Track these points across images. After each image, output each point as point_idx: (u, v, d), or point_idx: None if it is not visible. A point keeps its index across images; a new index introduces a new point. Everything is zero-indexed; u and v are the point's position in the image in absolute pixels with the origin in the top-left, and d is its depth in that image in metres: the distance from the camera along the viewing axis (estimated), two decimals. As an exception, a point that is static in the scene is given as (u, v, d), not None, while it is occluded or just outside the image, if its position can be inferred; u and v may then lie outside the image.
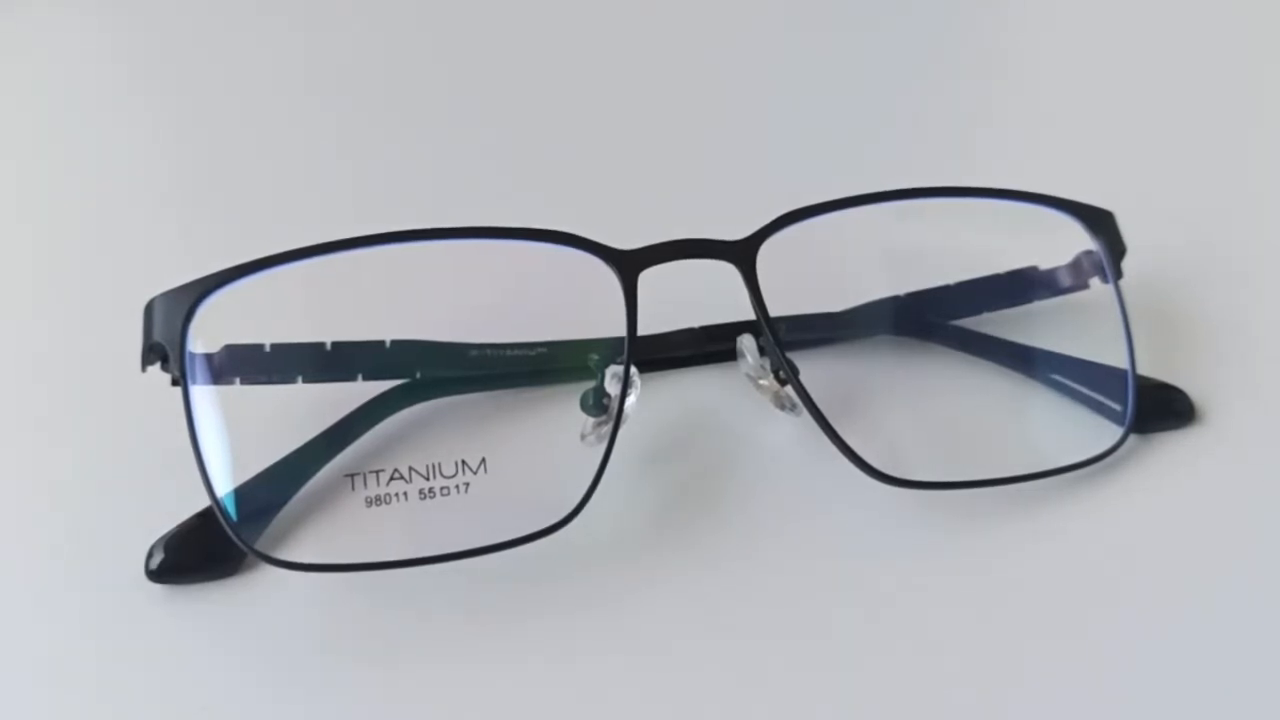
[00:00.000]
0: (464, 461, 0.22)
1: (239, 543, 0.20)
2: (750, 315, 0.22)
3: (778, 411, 0.23)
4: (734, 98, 0.38)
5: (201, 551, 0.21)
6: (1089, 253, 0.25)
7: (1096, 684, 0.19)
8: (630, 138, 0.36)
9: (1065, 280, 0.25)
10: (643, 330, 0.22)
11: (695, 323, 0.25)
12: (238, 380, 0.22)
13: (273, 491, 0.22)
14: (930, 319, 0.26)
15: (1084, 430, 0.23)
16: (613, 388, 0.22)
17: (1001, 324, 0.26)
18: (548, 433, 0.24)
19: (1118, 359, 0.24)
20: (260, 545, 0.21)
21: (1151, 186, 0.31)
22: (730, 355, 0.24)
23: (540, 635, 0.20)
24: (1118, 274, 0.24)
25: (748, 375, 0.24)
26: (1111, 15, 0.42)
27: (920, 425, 0.24)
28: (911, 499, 0.22)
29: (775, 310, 0.22)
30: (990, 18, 0.44)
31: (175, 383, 0.20)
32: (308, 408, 0.23)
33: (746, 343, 0.24)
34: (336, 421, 0.23)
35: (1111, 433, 0.23)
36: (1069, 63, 0.40)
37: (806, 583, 0.21)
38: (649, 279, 0.21)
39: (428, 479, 0.21)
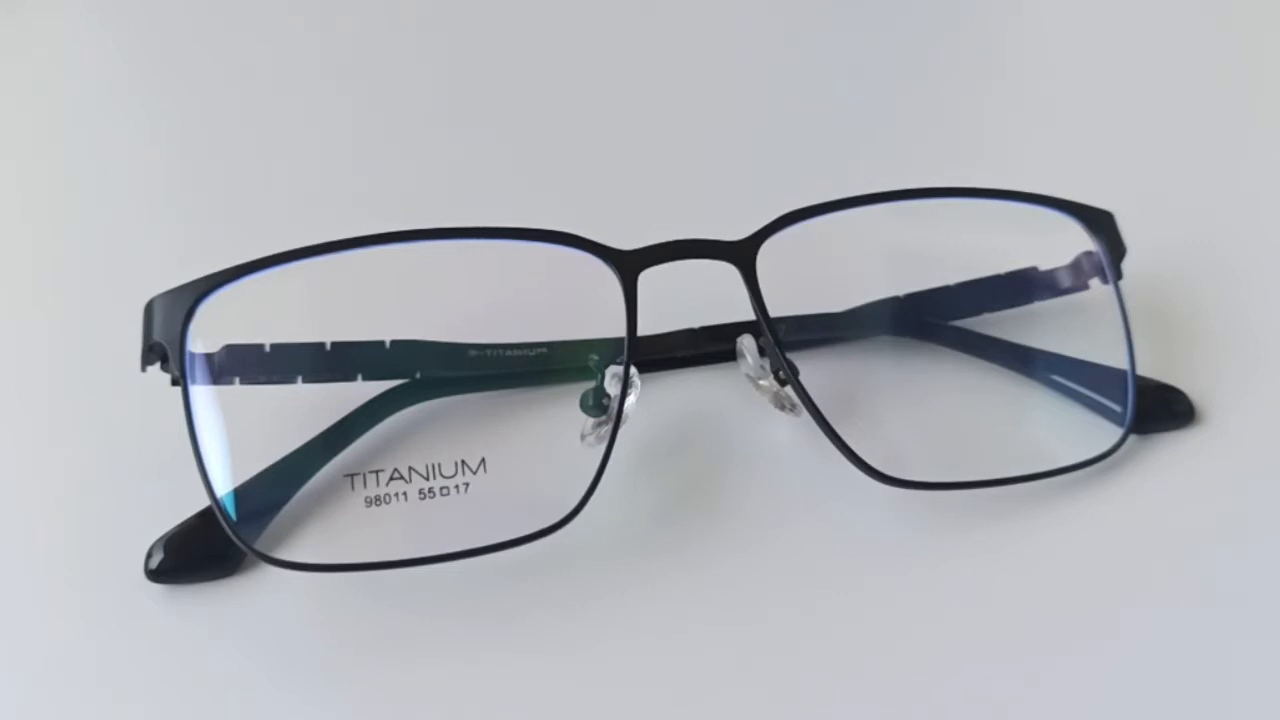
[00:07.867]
0: (464, 461, 0.22)
1: (239, 543, 0.20)
2: (750, 315, 0.22)
3: (778, 411, 0.23)
4: (734, 98, 0.38)
5: (201, 551, 0.21)
6: (1089, 253, 0.25)
7: (1097, 684, 0.19)
8: (630, 138, 0.36)
9: (1065, 281, 0.25)
10: (643, 330, 0.22)
11: (695, 323, 0.25)
12: (237, 380, 0.22)
13: (273, 491, 0.22)
14: (930, 319, 0.26)
15: (1084, 431, 0.23)
16: (613, 388, 0.22)
17: (1001, 324, 0.26)
18: (548, 433, 0.24)
19: (1118, 359, 0.24)
20: (260, 545, 0.21)
21: (1151, 186, 0.31)
22: (730, 355, 0.24)
23: (540, 635, 0.20)
24: (1118, 275, 0.24)
25: (748, 376, 0.23)
26: (1111, 15, 0.42)
27: (920, 425, 0.24)
28: (911, 499, 0.22)
29: (775, 310, 0.22)
30: (990, 18, 0.44)
31: (175, 383, 0.20)
32: (308, 408, 0.23)
33: (746, 343, 0.24)
34: (336, 422, 0.23)
35: (1111, 433, 0.23)
36: (1069, 63, 0.40)
37: (806, 583, 0.21)
38: (649, 279, 0.21)
39: (428, 479, 0.21)
